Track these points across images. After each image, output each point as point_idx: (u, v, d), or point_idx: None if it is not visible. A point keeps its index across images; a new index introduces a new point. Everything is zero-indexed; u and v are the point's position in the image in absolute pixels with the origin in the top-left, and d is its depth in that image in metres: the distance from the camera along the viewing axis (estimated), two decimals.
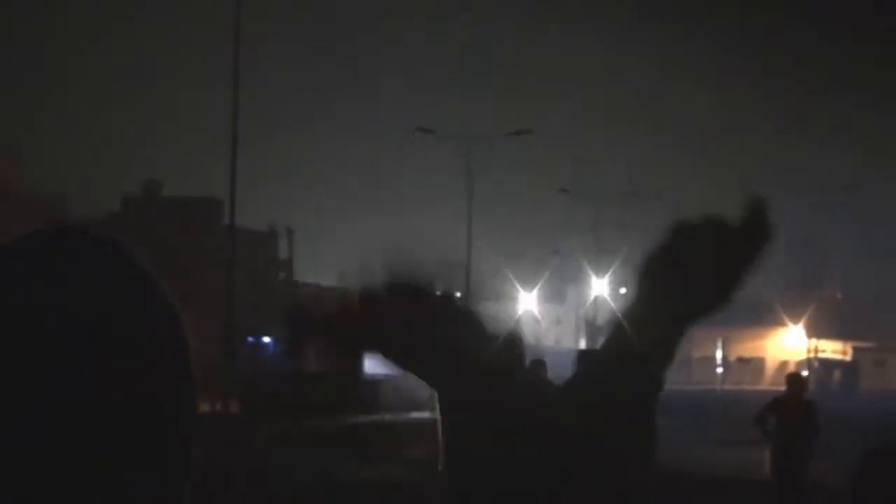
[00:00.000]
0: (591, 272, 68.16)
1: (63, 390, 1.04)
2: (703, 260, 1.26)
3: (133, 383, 1.06)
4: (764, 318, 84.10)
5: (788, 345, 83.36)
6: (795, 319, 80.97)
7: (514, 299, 74.85)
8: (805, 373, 20.24)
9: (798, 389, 12.83)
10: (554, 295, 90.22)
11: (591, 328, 68.10)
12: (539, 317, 75.37)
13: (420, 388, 1.61)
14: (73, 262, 1.10)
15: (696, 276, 1.27)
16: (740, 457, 19.84)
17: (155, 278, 1.12)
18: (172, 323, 1.11)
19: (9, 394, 1.03)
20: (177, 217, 45.84)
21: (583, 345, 63.73)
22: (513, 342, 1.36)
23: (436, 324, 1.25)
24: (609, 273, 63.78)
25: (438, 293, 1.24)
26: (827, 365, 73.45)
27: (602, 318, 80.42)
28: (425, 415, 25.63)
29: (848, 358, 78.79)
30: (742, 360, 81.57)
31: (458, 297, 1.26)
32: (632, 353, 1.25)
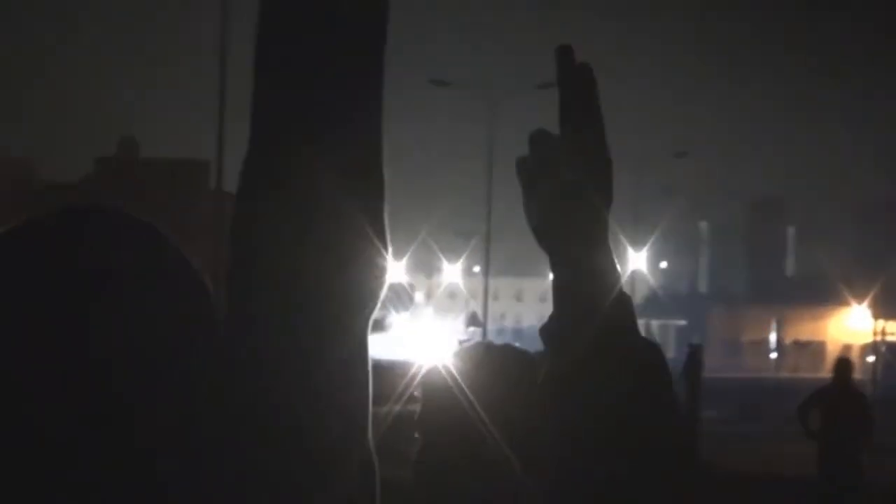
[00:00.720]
0: (626, 244, 68.26)
1: (92, 371, 1.10)
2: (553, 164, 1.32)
3: (168, 367, 1.13)
4: (824, 296, 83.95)
5: (852, 326, 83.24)
6: (860, 298, 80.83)
7: (539, 276, 74.81)
8: (871, 358, 20.06)
9: (844, 377, 12.42)
10: None
11: None
12: None
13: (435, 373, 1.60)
14: (109, 242, 1.16)
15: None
16: (791, 454, 19.87)
17: (189, 260, 1.20)
18: (206, 305, 1.19)
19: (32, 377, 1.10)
20: (157, 180, 45.95)
21: None
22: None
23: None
24: (647, 245, 63.66)
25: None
26: (895, 350, 73.32)
27: (640, 296, 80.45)
28: None
29: None
30: (799, 344, 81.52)
31: None
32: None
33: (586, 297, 1.31)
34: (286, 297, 1.14)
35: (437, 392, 2.20)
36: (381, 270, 1.18)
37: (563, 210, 1.32)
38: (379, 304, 1.19)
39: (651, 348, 1.32)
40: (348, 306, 1.16)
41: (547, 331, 1.32)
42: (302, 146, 1.16)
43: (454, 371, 2.18)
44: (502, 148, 41.03)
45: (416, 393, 2.24)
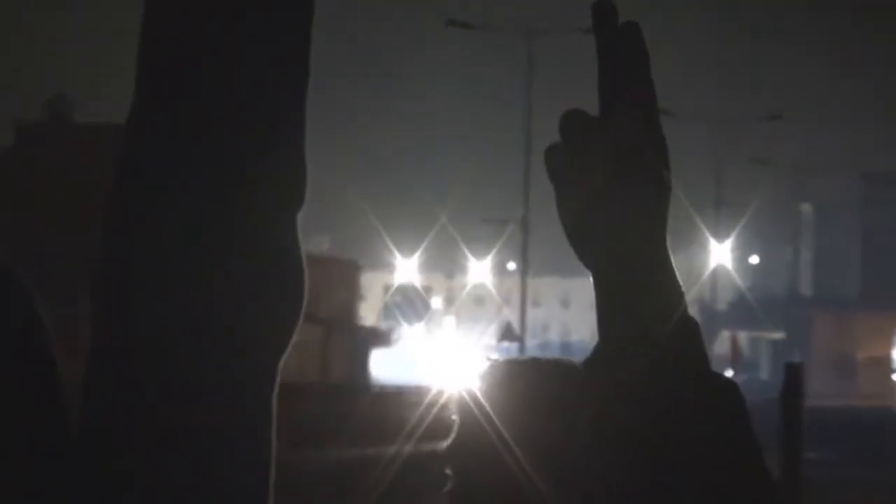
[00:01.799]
0: (706, 233, 68.18)
1: None
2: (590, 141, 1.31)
3: None
4: None
5: None
6: None
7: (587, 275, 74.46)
8: None
9: None
10: None
11: (706, 312, 68.01)
12: None
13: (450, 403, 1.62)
14: None
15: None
16: None
17: (20, 283, 1.20)
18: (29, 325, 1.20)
19: None
20: (97, 149, 45.96)
21: None
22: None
23: None
24: (733, 235, 63.61)
25: None
26: None
27: (725, 301, 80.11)
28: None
29: None
30: None
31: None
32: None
33: (638, 322, 1.29)
34: (160, 317, 1.14)
35: (471, 419, 2.25)
36: (296, 291, 1.18)
37: (605, 208, 1.30)
38: (294, 335, 1.19)
39: (725, 386, 1.31)
40: (244, 333, 1.16)
41: (592, 366, 1.31)
42: (200, 112, 1.16)
43: (479, 395, 2.23)
44: (542, 113, 41.01)
45: (453, 417, 2.29)
